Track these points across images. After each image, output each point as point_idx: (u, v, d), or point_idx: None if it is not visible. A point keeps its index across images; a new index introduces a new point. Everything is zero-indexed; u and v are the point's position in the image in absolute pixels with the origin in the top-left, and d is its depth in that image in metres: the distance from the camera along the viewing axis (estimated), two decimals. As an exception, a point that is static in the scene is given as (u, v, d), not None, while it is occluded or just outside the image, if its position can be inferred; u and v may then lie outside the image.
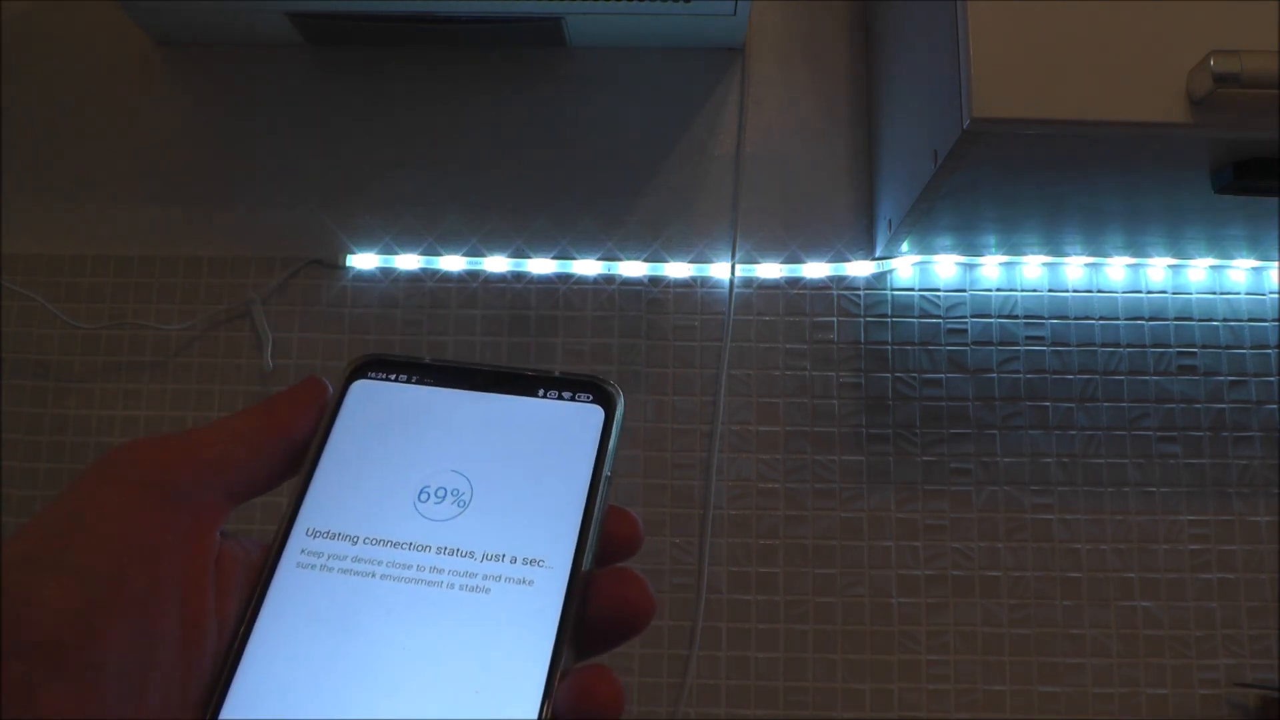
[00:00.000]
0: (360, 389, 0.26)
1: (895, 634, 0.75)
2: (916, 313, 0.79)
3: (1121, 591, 0.75)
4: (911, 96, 0.65)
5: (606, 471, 0.25)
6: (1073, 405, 0.78)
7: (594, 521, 0.24)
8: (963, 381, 0.78)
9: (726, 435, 0.78)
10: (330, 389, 0.26)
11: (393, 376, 0.26)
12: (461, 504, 0.24)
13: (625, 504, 0.25)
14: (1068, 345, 0.79)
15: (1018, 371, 0.79)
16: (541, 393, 0.26)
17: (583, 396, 0.26)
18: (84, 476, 0.21)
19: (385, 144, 0.83)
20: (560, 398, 0.26)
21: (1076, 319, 0.79)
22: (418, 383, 0.26)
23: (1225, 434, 0.77)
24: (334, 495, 0.24)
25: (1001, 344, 0.79)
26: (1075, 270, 0.80)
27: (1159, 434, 0.78)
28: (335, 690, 0.21)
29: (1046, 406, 0.78)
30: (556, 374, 0.26)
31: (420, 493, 0.24)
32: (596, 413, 0.26)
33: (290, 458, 0.25)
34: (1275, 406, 0.78)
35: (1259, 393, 0.78)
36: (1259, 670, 0.74)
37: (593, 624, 0.23)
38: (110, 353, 0.80)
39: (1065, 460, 0.77)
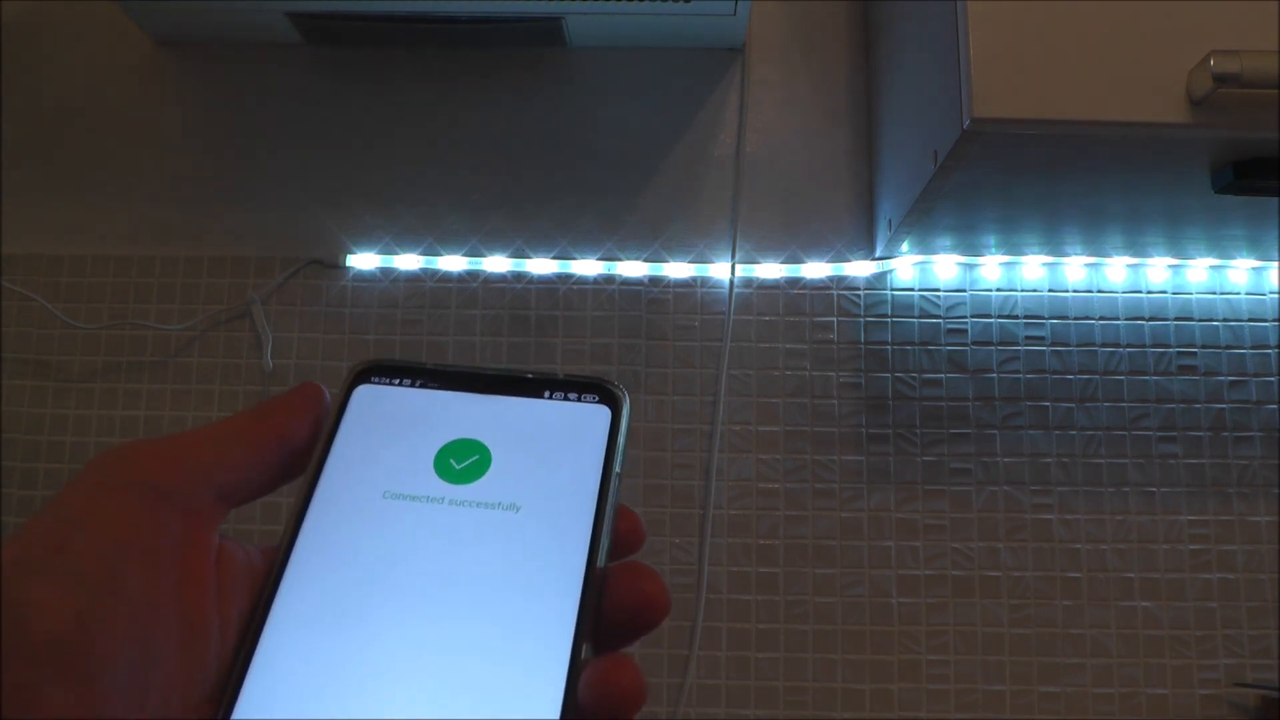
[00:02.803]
0: (363, 394, 0.26)
1: (895, 634, 0.75)
2: (916, 313, 0.79)
3: (1121, 591, 0.75)
4: (911, 96, 0.65)
5: (617, 469, 0.25)
6: (1073, 405, 0.78)
7: (606, 518, 0.24)
8: (963, 381, 0.78)
9: (726, 435, 0.78)
10: (327, 395, 0.26)
11: (396, 381, 0.26)
12: None
13: (626, 504, 0.25)
14: (1068, 345, 0.79)
15: (1018, 371, 0.78)
16: (548, 394, 0.26)
17: (589, 397, 0.26)
18: (79, 479, 0.21)
19: (385, 144, 0.83)
20: (566, 399, 0.26)
21: (1076, 319, 0.79)
22: (421, 387, 0.26)
23: (1225, 434, 0.77)
24: (343, 497, 0.24)
25: (1001, 344, 0.79)
26: (1075, 270, 0.80)
27: (1159, 434, 0.78)
28: (350, 688, 0.21)
29: (1046, 406, 0.78)
30: (561, 376, 0.26)
31: None
32: (603, 413, 0.26)
33: (286, 461, 0.25)
34: (1275, 406, 0.78)
35: (1259, 393, 0.78)
36: (1259, 670, 0.74)
37: (608, 620, 0.23)
38: (110, 353, 0.80)
39: (1065, 460, 0.77)
